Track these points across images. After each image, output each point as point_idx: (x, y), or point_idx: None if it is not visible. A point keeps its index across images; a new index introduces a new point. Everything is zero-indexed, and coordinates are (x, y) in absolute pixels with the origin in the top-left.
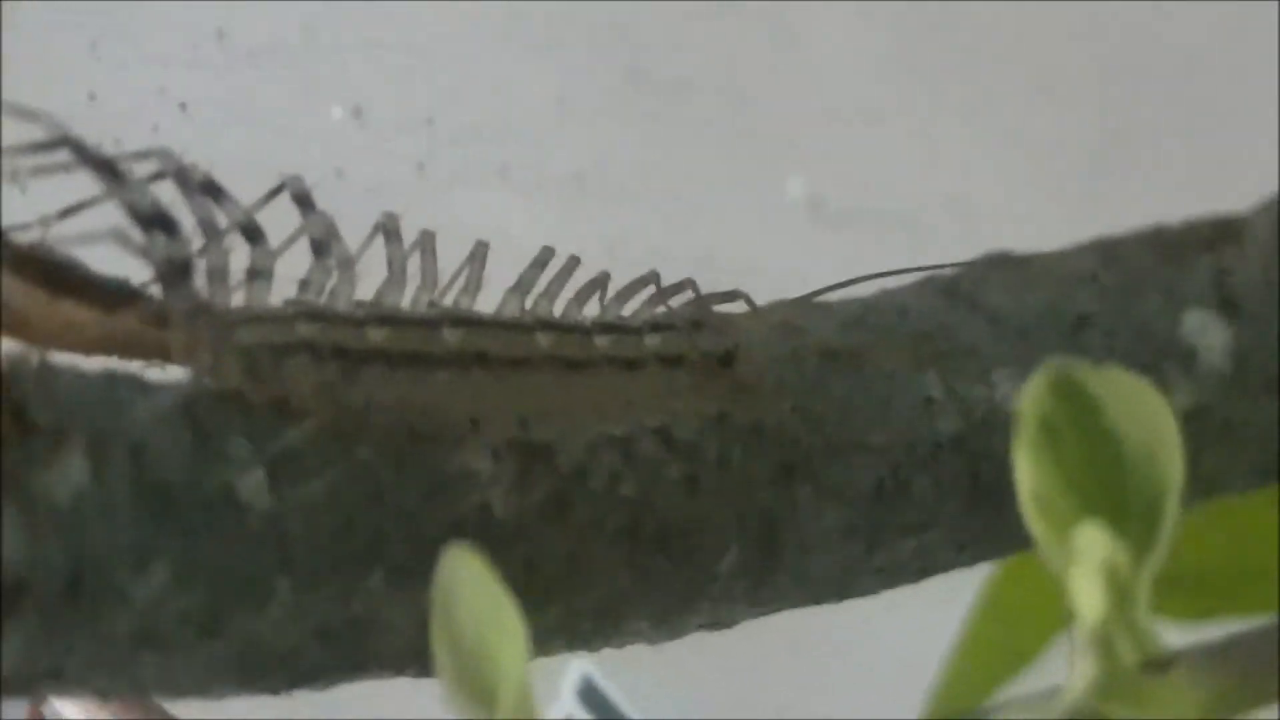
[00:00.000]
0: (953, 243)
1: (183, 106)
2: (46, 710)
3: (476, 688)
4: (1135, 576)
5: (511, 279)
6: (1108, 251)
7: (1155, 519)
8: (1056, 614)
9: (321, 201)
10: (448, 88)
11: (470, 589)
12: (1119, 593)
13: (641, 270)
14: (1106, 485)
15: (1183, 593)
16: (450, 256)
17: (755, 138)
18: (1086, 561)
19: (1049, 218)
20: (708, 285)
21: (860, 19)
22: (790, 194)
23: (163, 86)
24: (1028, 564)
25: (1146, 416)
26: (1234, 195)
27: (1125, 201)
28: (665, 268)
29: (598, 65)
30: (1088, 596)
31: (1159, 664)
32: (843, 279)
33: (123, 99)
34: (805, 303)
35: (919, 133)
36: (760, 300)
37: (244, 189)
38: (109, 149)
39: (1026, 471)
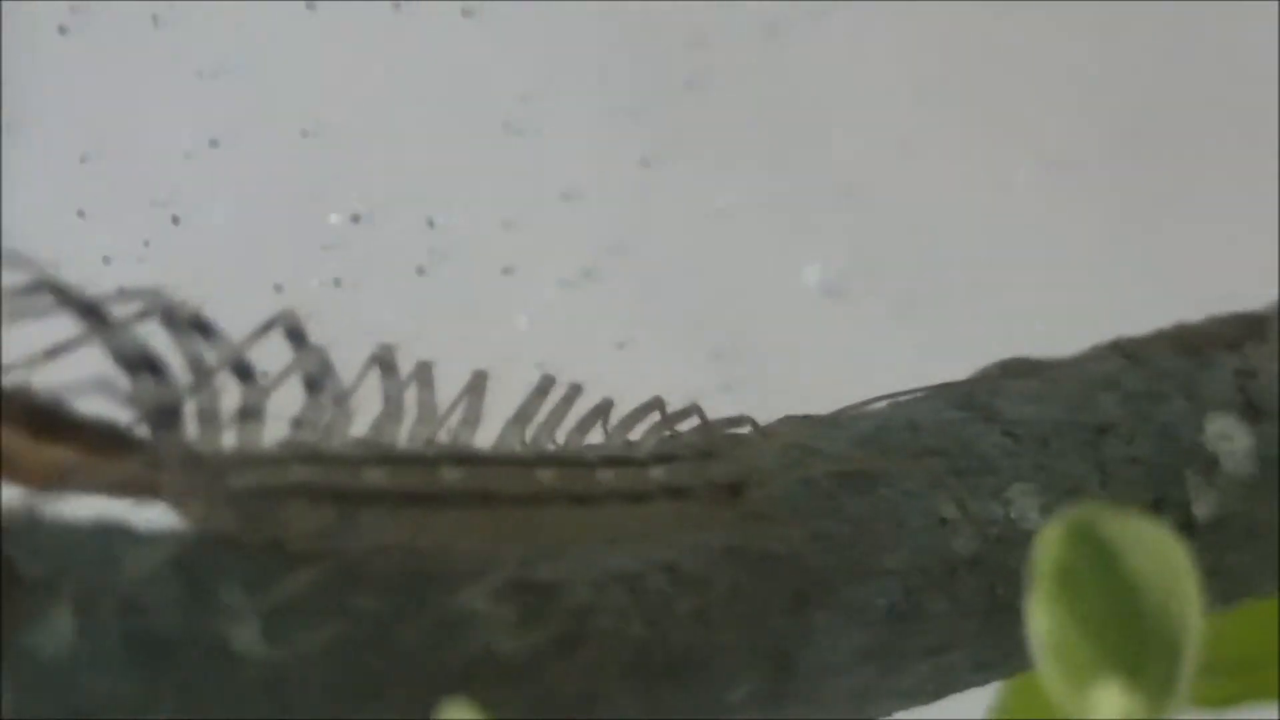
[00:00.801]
0: (969, 320)
1: (175, 219)
2: None
3: None
4: None
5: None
6: (1129, 353)
7: (1174, 666)
8: None
9: (321, 311)
10: (448, 186)
11: None
12: None
13: (655, 363)
14: (1124, 633)
15: (1209, 679)
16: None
17: (771, 220)
18: (1105, 717)
19: (1068, 292)
20: (725, 373)
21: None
22: (807, 277)
23: (155, 199)
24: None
25: (1164, 563)
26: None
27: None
28: (680, 360)
29: (607, 153)
30: None
31: None
32: (856, 363)
33: (114, 213)
34: (816, 421)
35: (935, 208)
36: (768, 385)
37: (240, 302)
38: (99, 266)
39: (1042, 621)
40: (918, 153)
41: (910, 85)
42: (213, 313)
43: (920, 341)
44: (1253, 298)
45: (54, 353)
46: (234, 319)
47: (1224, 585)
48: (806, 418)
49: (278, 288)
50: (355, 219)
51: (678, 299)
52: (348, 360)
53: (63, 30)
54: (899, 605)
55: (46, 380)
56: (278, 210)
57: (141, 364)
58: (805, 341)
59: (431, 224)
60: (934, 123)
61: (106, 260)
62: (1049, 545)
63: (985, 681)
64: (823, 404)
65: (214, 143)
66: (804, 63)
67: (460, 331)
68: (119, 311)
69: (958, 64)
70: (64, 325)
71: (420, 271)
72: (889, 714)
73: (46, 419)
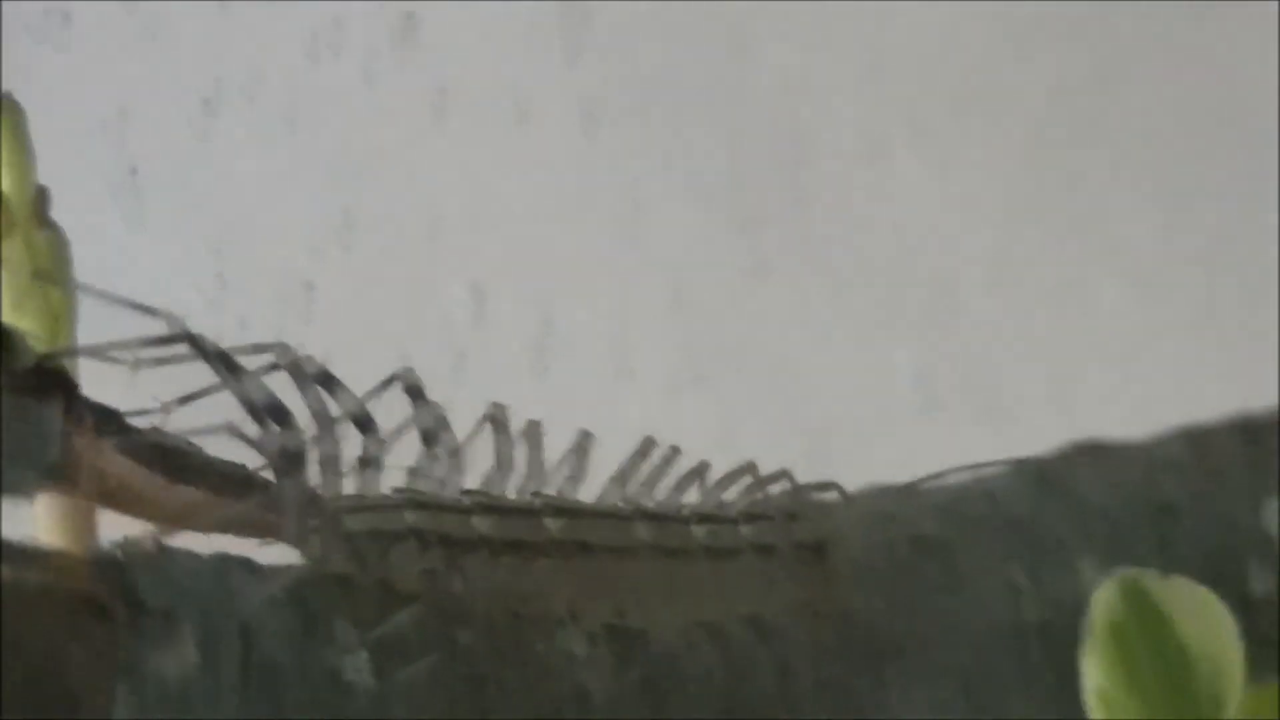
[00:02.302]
0: (1048, 426)
1: (308, 286)
2: None
3: None
4: None
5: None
6: (1194, 439)
7: None
8: None
9: (443, 382)
10: (564, 278)
11: None
12: None
13: (757, 451)
14: (1171, 691)
15: None
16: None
17: (863, 314)
18: None
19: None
20: (819, 461)
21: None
22: (899, 370)
23: (290, 267)
24: None
25: (1212, 627)
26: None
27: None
28: (777, 451)
29: (713, 258)
30: None
31: None
32: (942, 455)
33: (251, 280)
34: (898, 491)
35: (1020, 310)
36: (860, 482)
37: (366, 367)
38: (238, 327)
39: (1094, 673)
40: (1006, 265)
41: (1001, 196)
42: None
43: (999, 439)
44: None
45: (187, 399)
46: (360, 387)
47: (1277, 660)
48: (888, 486)
49: (400, 359)
50: (478, 312)
51: (777, 396)
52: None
53: (209, 109)
54: (969, 667)
55: (179, 425)
56: (403, 285)
57: (269, 411)
58: (894, 441)
59: (546, 322)
60: (1022, 237)
61: (243, 325)
62: (1103, 603)
63: None
64: None
65: (347, 214)
66: (902, 179)
67: (569, 420)
68: (250, 363)
69: (1046, 179)
70: (197, 375)
71: (533, 366)
72: None
73: (178, 460)
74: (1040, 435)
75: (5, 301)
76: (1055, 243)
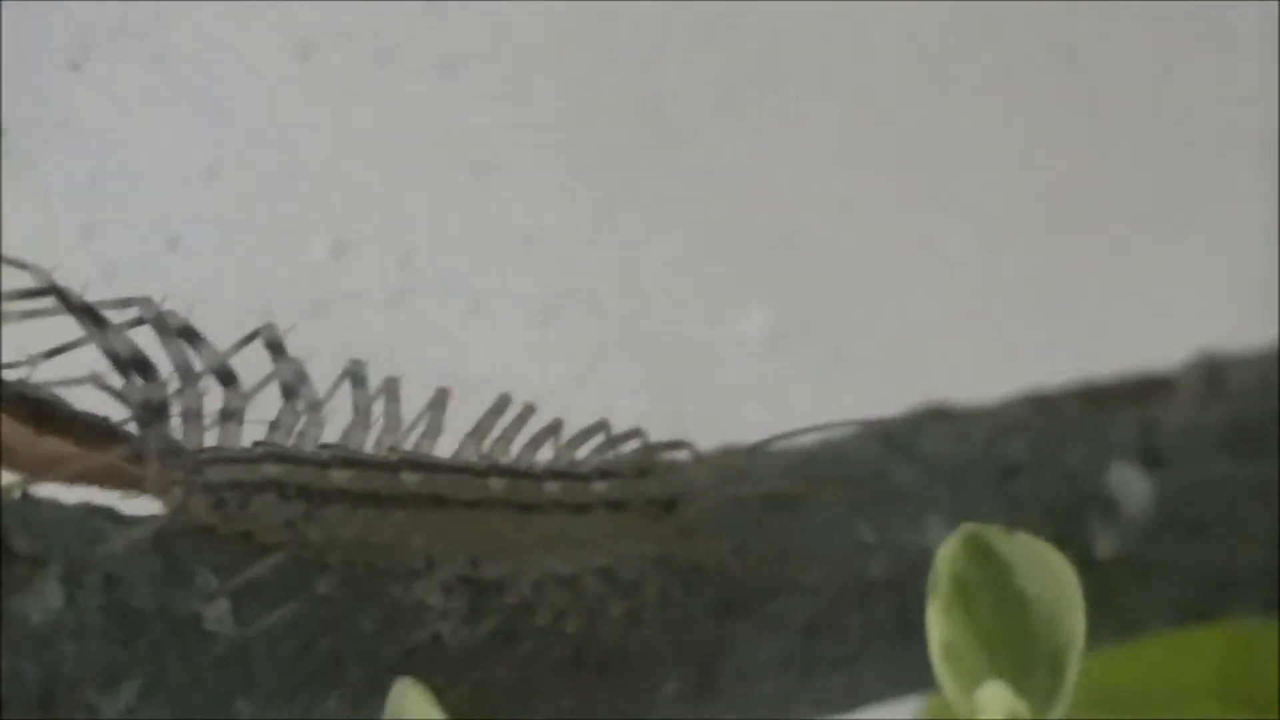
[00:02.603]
0: (897, 374)
1: (173, 243)
2: None
3: None
4: None
5: (476, 412)
6: (1041, 403)
7: (1059, 676)
8: None
9: (302, 337)
10: (424, 223)
11: (415, 716)
12: None
13: (605, 399)
14: (1014, 642)
15: (1097, 711)
16: (417, 393)
17: (720, 267)
18: (990, 716)
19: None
20: (669, 413)
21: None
22: (749, 320)
23: (155, 223)
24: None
25: (1053, 579)
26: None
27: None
28: (628, 398)
29: (567, 204)
30: None
31: None
32: (790, 406)
33: (118, 233)
34: (749, 449)
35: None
36: (709, 429)
37: (230, 323)
38: (102, 281)
39: (938, 625)
40: (857, 213)
41: (852, 150)
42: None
43: (850, 391)
44: (1162, 360)
45: (53, 352)
46: (223, 337)
47: (1120, 621)
48: (738, 446)
49: (263, 313)
50: (337, 253)
51: (629, 342)
52: (323, 383)
53: (74, 67)
54: (816, 619)
55: (45, 377)
56: (265, 240)
57: (133, 365)
58: (744, 386)
59: (405, 261)
60: (873, 185)
61: (108, 276)
62: (947, 558)
63: (895, 695)
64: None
65: (214, 170)
66: (753, 130)
67: (428, 360)
68: (115, 316)
69: (897, 131)
70: (64, 327)
71: (393, 303)
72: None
73: (44, 412)
74: (888, 388)
75: None
76: (904, 195)
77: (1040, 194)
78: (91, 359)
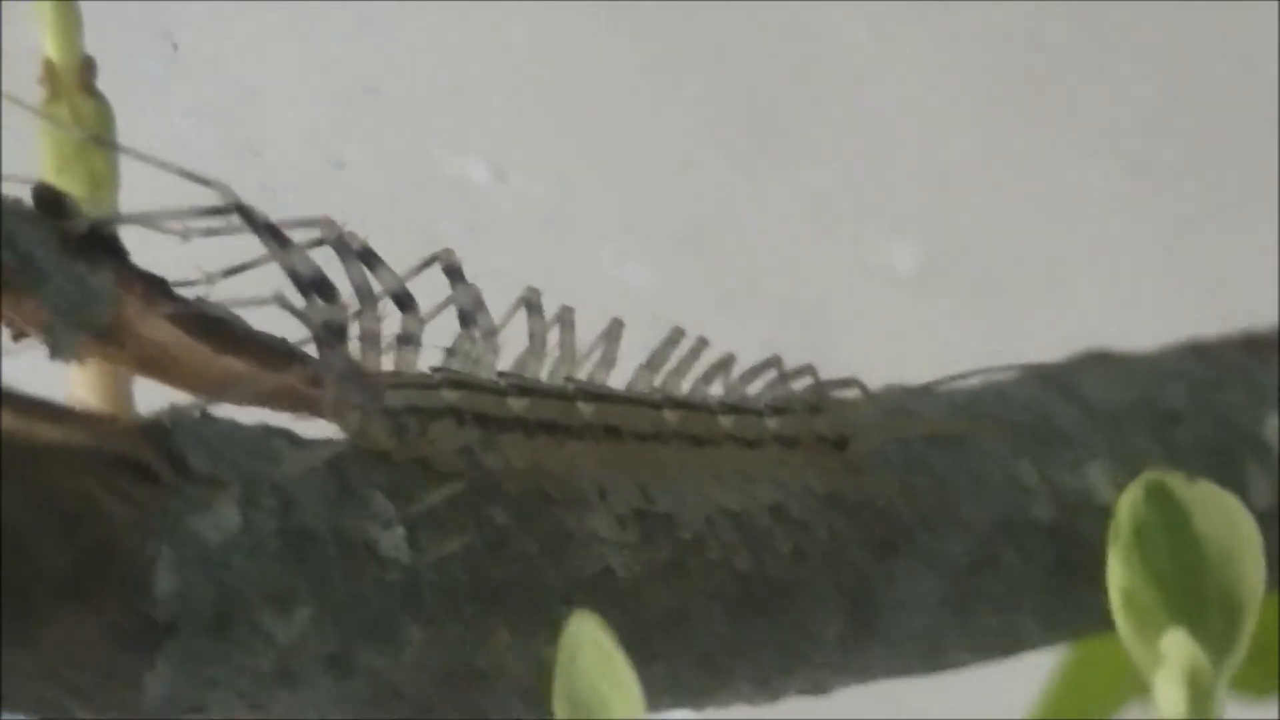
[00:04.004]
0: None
1: (339, 164)
2: None
3: None
4: (1214, 679)
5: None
6: (1200, 352)
7: (1236, 623)
8: (1124, 688)
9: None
10: (583, 147)
11: (590, 647)
12: (1199, 695)
13: (756, 331)
14: (1192, 589)
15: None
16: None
17: (869, 201)
18: (1171, 664)
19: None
20: (816, 343)
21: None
22: (897, 258)
23: (315, 139)
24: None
25: (1232, 526)
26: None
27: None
28: (778, 328)
29: (722, 129)
30: (1169, 697)
31: None
32: (937, 347)
33: (278, 149)
34: (916, 389)
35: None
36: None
37: (389, 244)
38: (265, 199)
39: (1118, 571)
40: (1003, 149)
41: (998, 87)
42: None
43: (995, 327)
44: None
45: (232, 271)
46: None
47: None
48: (906, 385)
49: (426, 237)
50: (499, 177)
51: (774, 274)
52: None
53: None
54: (975, 559)
55: (225, 296)
56: (425, 157)
57: (315, 285)
58: (890, 327)
59: (561, 186)
60: (1018, 122)
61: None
62: (1129, 505)
63: (1051, 642)
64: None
65: (373, 89)
66: (901, 68)
67: (581, 284)
68: (297, 236)
69: (1044, 69)
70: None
71: (547, 228)
72: (960, 665)
73: (223, 331)
74: (1035, 325)
75: (49, 167)
76: (1049, 131)
77: (1186, 130)
78: (263, 279)
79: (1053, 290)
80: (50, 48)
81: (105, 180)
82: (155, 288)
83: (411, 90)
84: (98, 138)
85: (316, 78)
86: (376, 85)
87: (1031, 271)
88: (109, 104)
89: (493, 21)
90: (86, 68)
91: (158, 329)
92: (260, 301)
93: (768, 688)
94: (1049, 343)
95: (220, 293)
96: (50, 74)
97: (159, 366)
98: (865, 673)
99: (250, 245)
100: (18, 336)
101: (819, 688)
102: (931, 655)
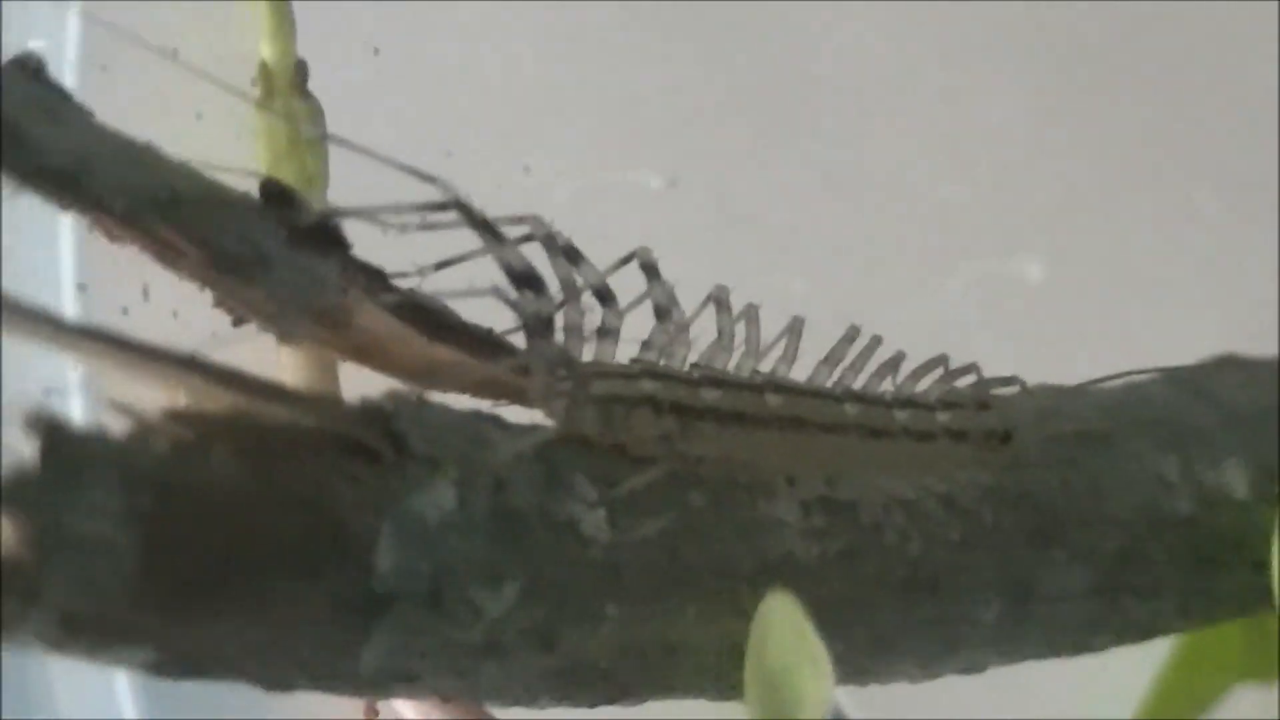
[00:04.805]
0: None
1: (526, 169)
2: (384, 710)
3: (781, 714)
4: None
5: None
6: None
7: None
8: (1234, 669)
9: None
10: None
11: (784, 626)
12: None
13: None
14: None
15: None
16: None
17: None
18: None
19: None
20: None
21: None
22: (1029, 271)
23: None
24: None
25: None
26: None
27: None
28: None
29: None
30: None
31: None
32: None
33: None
34: (1065, 388)
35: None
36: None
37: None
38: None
39: None
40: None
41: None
42: None
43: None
44: None
45: (447, 263)
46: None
47: None
48: (1060, 386)
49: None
50: (671, 183)
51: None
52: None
53: None
54: (1123, 550)
55: (435, 287)
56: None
57: (526, 279)
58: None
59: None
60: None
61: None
62: None
63: (1184, 629)
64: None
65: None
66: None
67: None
68: (510, 232)
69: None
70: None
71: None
72: (1105, 649)
73: (437, 321)
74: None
75: (263, 164)
76: (1161, 162)
77: None
78: (463, 273)
79: (1171, 299)
80: (265, 50)
81: (316, 177)
82: (376, 279)
83: (595, 103)
84: (322, 134)
85: (509, 87)
86: (559, 96)
87: (1142, 290)
88: (320, 104)
89: (664, 50)
90: (300, 70)
91: (376, 318)
92: (479, 293)
93: (929, 668)
94: (1168, 349)
95: (431, 284)
96: (265, 75)
97: (370, 354)
98: (1018, 655)
99: (452, 241)
100: (237, 322)
101: (975, 667)
102: (1079, 640)
